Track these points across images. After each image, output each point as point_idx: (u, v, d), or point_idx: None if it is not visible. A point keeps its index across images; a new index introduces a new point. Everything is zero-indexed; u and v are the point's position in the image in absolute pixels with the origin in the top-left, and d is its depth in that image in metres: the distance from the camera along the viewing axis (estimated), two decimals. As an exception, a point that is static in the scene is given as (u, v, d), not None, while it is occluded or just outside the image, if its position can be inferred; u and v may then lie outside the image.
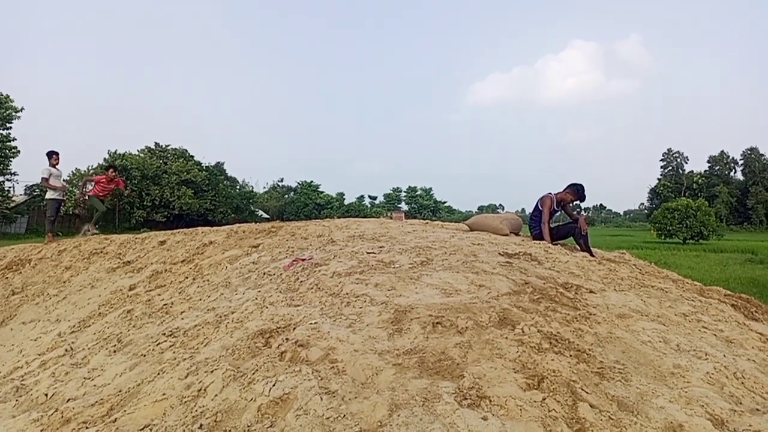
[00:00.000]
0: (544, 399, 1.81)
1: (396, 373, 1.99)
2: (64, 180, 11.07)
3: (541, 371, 1.99)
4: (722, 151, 75.46)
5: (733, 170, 76.42)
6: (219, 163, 52.03)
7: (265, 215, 55.31)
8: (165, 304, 3.96)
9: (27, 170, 71.44)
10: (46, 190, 10.45)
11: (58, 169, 10.37)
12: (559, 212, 6.78)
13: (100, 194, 10.77)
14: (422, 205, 72.51)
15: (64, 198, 11.22)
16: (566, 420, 1.72)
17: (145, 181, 42.12)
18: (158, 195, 42.20)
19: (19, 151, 34.23)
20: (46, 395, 2.55)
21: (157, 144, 46.60)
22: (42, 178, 10.15)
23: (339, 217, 9.62)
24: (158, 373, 2.36)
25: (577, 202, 6.72)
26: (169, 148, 46.90)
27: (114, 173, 10.99)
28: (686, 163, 79.19)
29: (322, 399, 1.79)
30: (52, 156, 10.15)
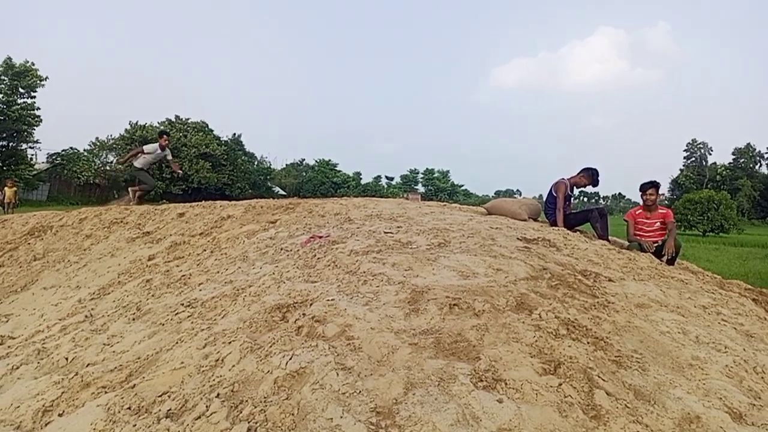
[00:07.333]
0: (560, 384, 1.80)
1: (412, 352, 2.00)
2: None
3: (558, 357, 1.97)
4: (748, 144, 73.30)
5: (759, 164, 74.40)
6: (236, 135, 51.74)
7: (282, 192, 55.48)
8: (183, 275, 4.01)
9: (49, 138, 72.67)
10: (134, 161, 9.91)
11: (163, 150, 9.88)
12: (575, 198, 6.70)
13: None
14: (439, 188, 72.01)
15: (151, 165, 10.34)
16: (582, 406, 1.72)
17: (165, 154, 42.38)
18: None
19: (41, 120, 34.68)
20: (67, 359, 2.60)
21: (177, 117, 46.86)
22: (142, 149, 9.83)
23: (356, 197, 9.59)
24: (176, 342, 2.39)
25: (590, 187, 6.60)
26: (189, 121, 47.09)
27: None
28: (710, 154, 77.18)
29: (338, 374, 1.80)
30: (162, 136, 9.95)
